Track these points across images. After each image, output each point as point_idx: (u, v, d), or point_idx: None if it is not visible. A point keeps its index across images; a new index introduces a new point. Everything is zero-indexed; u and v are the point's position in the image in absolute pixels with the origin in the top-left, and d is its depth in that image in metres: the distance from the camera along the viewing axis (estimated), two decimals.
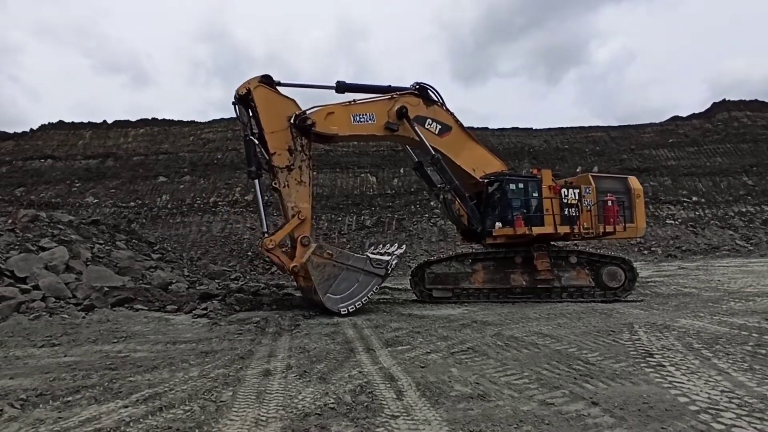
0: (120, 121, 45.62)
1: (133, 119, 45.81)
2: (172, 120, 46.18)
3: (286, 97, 11.57)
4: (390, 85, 12.93)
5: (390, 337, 7.67)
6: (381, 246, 11.78)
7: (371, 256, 11.01)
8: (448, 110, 13.16)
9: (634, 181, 13.72)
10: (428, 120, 12.74)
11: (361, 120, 12.04)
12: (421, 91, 12.84)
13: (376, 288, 10.81)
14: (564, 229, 12.34)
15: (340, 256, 10.75)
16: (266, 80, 11.41)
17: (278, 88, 11.66)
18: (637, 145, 42.53)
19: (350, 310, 10.48)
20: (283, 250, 11.29)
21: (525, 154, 41.55)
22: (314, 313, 10.63)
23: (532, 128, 46.38)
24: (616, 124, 49.29)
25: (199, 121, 46.07)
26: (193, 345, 7.39)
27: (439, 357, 6.35)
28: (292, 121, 11.20)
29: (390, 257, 11.16)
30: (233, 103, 11.22)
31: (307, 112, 11.39)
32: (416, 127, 12.38)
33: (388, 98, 12.48)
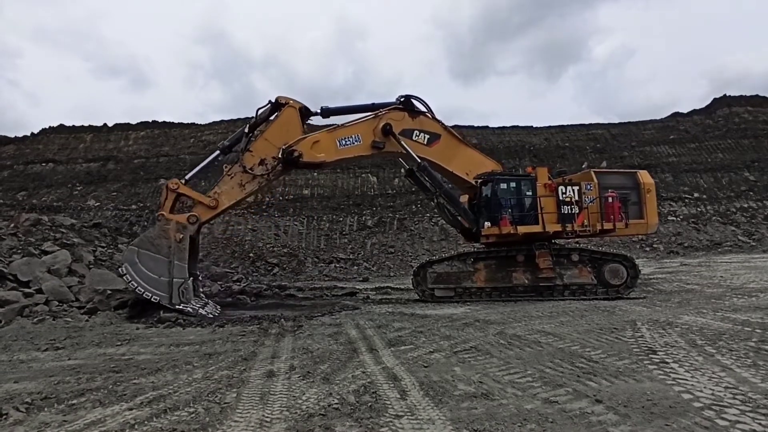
0: (120, 124, 45.78)
1: (133, 122, 45.98)
2: (172, 122, 46.28)
3: (305, 131, 12.30)
4: (374, 103, 13.08)
5: (393, 337, 7.68)
6: (201, 299, 11.71)
7: (184, 291, 10.61)
8: (435, 119, 13.20)
9: (644, 176, 13.55)
10: (415, 132, 12.84)
11: (347, 143, 12.34)
12: (406, 103, 12.90)
13: (152, 297, 10.36)
14: (555, 228, 12.31)
15: (178, 251, 10.77)
16: (305, 110, 12.42)
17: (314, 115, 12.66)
18: (638, 142, 42.46)
19: (126, 278, 10.41)
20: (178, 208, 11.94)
21: (526, 153, 41.52)
22: (316, 314, 10.65)
23: (532, 126, 46.34)
24: (616, 121, 49.28)
25: (199, 123, 46.25)
26: (196, 347, 7.41)
27: (442, 356, 6.36)
28: (279, 155, 11.75)
29: (188, 305, 10.54)
30: (269, 101, 12.34)
31: (294, 143, 11.83)
32: (403, 141, 12.51)
33: (373, 117, 12.64)
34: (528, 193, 12.69)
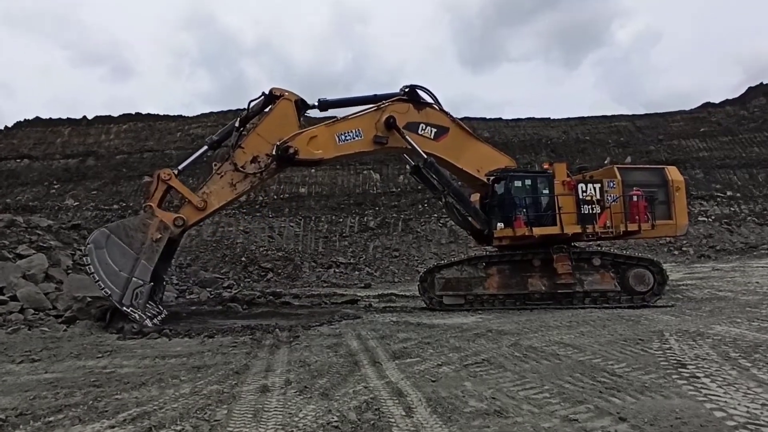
0: (101, 116, 45.93)
1: (115, 114, 46.17)
2: (157, 114, 46.47)
3: (302, 126, 12.32)
4: (376, 94, 13.07)
5: (397, 349, 7.68)
6: (152, 309, 11.45)
7: (139, 294, 10.51)
8: (443, 110, 13.20)
9: (673, 172, 13.49)
10: (421, 125, 12.82)
11: (347, 138, 12.35)
12: (411, 94, 12.86)
13: (103, 289, 10.29)
14: (574, 229, 12.29)
15: (149, 250, 10.79)
16: (301, 103, 12.40)
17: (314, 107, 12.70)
18: (665, 135, 42.31)
19: (86, 260, 10.45)
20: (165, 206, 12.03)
21: (542, 147, 41.44)
22: (314, 324, 10.66)
23: (549, 118, 46.23)
24: (641, 112, 49.17)
25: (186, 115, 46.32)
26: (183, 359, 7.43)
27: (451, 370, 6.35)
28: (274, 152, 11.77)
29: (137, 311, 10.39)
30: (263, 93, 12.39)
31: (289, 139, 11.83)
32: (407, 136, 12.50)
33: (375, 109, 12.63)
34: (545, 192, 12.67)
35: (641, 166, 15.07)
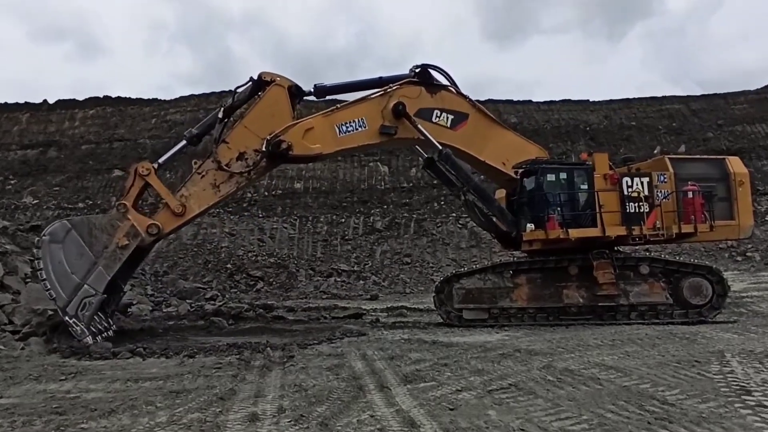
0: (64, 100, 46.36)
1: (81, 98, 46.50)
2: (129, 98, 46.78)
3: (296, 117, 12.30)
4: (381, 77, 13.01)
5: (410, 371, 7.68)
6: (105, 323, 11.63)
7: (87, 305, 10.42)
8: (461, 93, 13.13)
9: (735, 163, 13.39)
10: (435, 112, 12.74)
11: (349, 129, 12.27)
12: (423, 75, 12.80)
13: (48, 291, 10.31)
14: (617, 231, 12.23)
15: (111, 258, 10.77)
16: (296, 90, 12.36)
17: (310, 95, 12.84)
18: (726, 120, 41.88)
19: (38, 254, 10.45)
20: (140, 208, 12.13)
21: (580, 135, 41.22)
22: (312, 342, 10.69)
23: (588, 101, 45.93)
24: (698, 93, 48.62)
25: (162, 99, 46.63)
26: (159, 383, 7.47)
27: (472, 396, 6.34)
28: (264, 147, 11.72)
29: (81, 323, 10.29)
30: (251, 78, 12.30)
31: (281, 132, 11.75)
32: (420, 125, 12.43)
33: (381, 94, 12.56)
34: (583, 187, 12.62)
35: (697, 156, 14.98)
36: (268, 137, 11.69)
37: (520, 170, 13.14)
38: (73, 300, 10.31)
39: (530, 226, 12.39)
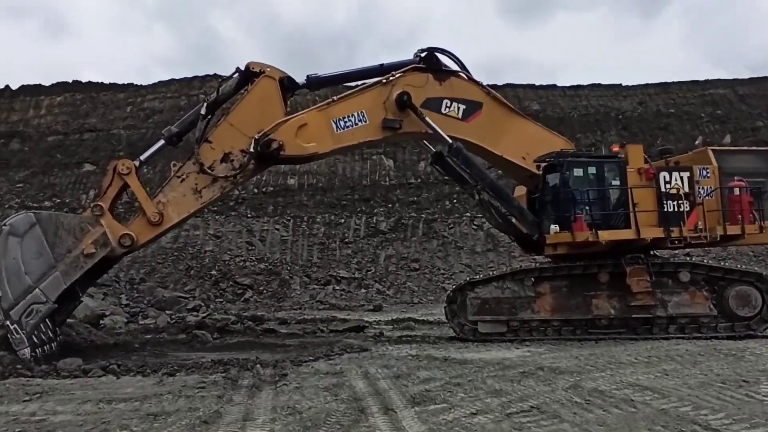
0: (29, 86, 46.55)
1: (47, 83, 46.69)
2: (102, 83, 46.95)
3: (285, 114, 12.24)
4: (382, 64, 13.06)
5: (418, 392, 7.67)
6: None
7: (32, 313, 10.43)
8: (473, 80, 13.17)
9: None
10: (444, 101, 12.76)
11: (348, 125, 12.27)
12: (429, 60, 12.82)
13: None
14: (654, 233, 12.19)
15: (72, 265, 10.74)
16: (288, 82, 12.42)
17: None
18: None
19: None
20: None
21: (611, 124, 41.14)
22: (307, 358, 10.71)
23: (620, 85, 45.89)
24: (745, 76, 48.32)
25: (139, 84, 46.76)
26: (135, 404, 7.48)
27: (489, 420, 6.33)
28: (252, 147, 11.71)
29: (21, 331, 10.27)
30: (237, 68, 12.37)
31: (271, 129, 11.72)
32: (427, 117, 12.43)
33: (382, 83, 12.55)
34: (614, 183, 12.60)
35: (746, 148, 14.88)
36: (257, 136, 11.67)
37: (543, 165, 13.12)
38: (20, 303, 10.27)
39: (554, 228, 12.35)
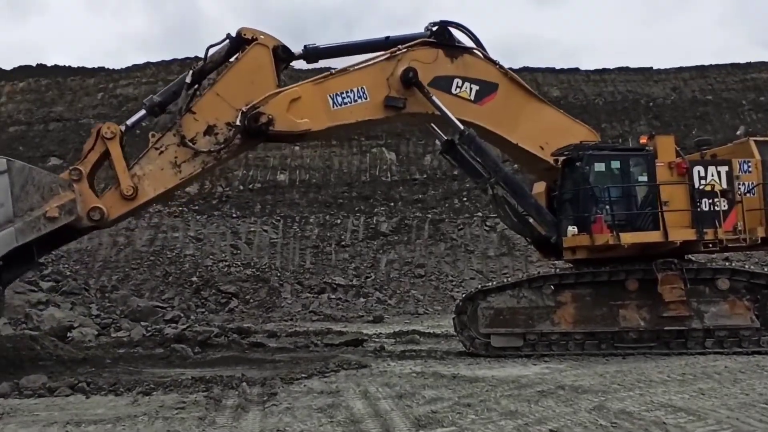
0: None
1: (8, 68, 46.82)
2: (70, 67, 47.11)
3: (278, 86, 12.35)
4: (388, 37, 13.15)
5: (423, 414, 7.68)
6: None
7: None
8: (489, 58, 13.24)
9: None
10: (456, 80, 12.87)
11: (346, 101, 12.43)
12: (441, 35, 12.93)
13: None
14: (685, 235, 12.14)
15: (30, 225, 10.93)
16: (282, 52, 12.51)
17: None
18: None
19: None
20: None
21: (641, 112, 41.17)
22: (299, 376, 10.72)
23: (651, 69, 45.95)
24: None
25: (111, 68, 46.86)
26: (107, 426, 7.50)
27: None
28: (239, 120, 11.88)
29: None
30: (228, 35, 12.48)
31: (261, 102, 11.88)
32: (435, 96, 12.52)
33: (387, 58, 12.69)
34: (641, 179, 12.60)
35: None
36: (245, 108, 11.84)
37: (561, 158, 13.12)
38: None
39: (572, 230, 12.36)
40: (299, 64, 13.65)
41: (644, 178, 12.59)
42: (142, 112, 12.83)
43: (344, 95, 12.41)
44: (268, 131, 11.96)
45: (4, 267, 11.23)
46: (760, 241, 12.50)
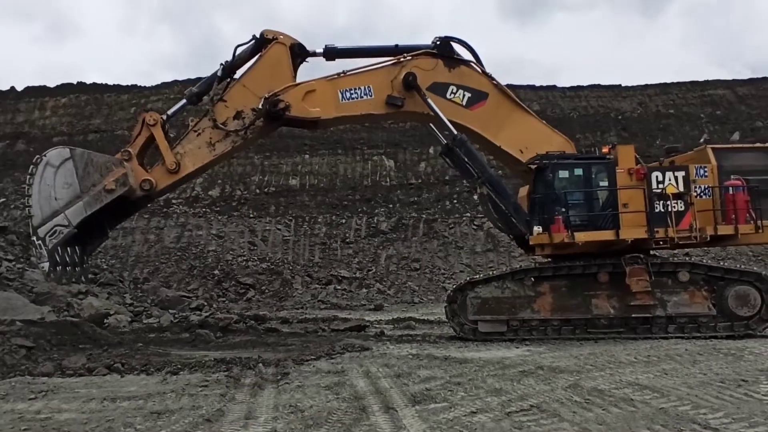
0: (34, 87, 46.62)
1: (52, 85, 46.75)
2: (106, 85, 47.03)
3: (294, 78, 13.43)
4: (398, 45, 13.70)
5: (418, 391, 7.69)
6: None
7: (54, 234, 12.40)
8: (484, 71, 13.56)
9: None
10: (451, 87, 13.30)
11: (353, 96, 13.13)
12: (443, 47, 13.37)
13: (29, 209, 12.70)
14: (635, 234, 12.11)
15: (94, 197, 12.48)
16: (299, 49, 13.60)
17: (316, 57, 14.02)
18: None
19: (33, 170, 12.58)
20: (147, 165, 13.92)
21: (611, 124, 41.12)
22: (309, 357, 10.72)
23: (620, 85, 45.86)
24: (745, 76, 48.31)
25: (142, 85, 46.83)
26: (139, 402, 7.51)
27: (489, 419, 6.34)
28: (261, 105, 12.86)
29: (44, 247, 12.42)
30: (253, 36, 13.70)
31: (281, 91, 12.86)
32: (430, 99, 12.97)
33: (393, 63, 13.28)
34: (602, 184, 12.64)
35: (750, 145, 14.62)
36: (267, 95, 12.73)
37: (536, 164, 13.15)
38: (47, 224, 12.08)
39: (537, 229, 12.47)
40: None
41: (605, 183, 12.61)
42: (182, 101, 14.06)
43: (352, 91, 13.09)
44: (284, 115, 12.83)
45: (87, 238, 13.02)
46: (708, 238, 12.42)
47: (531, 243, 12.65)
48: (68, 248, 12.57)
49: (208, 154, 13.12)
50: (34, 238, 12.03)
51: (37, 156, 12.86)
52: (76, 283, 12.16)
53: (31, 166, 12.56)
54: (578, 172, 12.74)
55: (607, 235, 12.14)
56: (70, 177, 12.25)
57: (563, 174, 12.73)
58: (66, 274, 12.50)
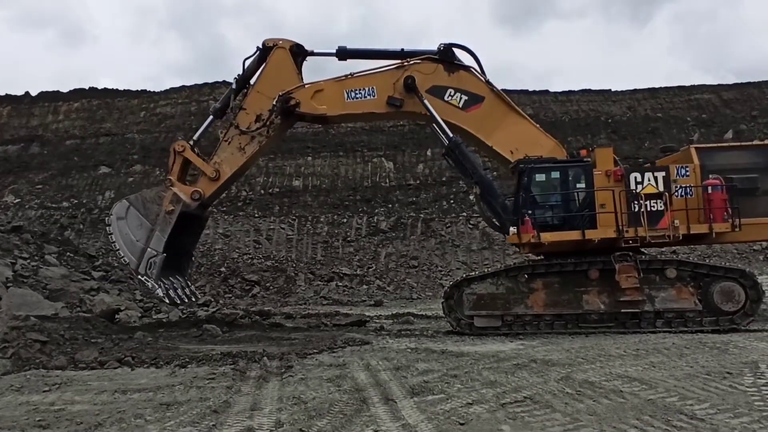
0: (47, 92, 46.65)
1: (65, 90, 46.80)
2: (117, 90, 47.05)
3: (301, 78, 14.31)
4: (403, 49, 14.20)
5: (417, 383, 7.70)
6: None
7: (152, 264, 13.45)
8: (482, 77, 13.76)
9: None
10: (449, 90, 13.67)
11: (357, 96, 13.79)
12: (445, 53, 13.71)
13: (123, 258, 13.60)
14: (603, 233, 12.05)
15: (163, 222, 13.58)
16: (298, 49, 14.44)
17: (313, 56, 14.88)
18: (761, 111, 41.70)
19: (109, 230, 13.84)
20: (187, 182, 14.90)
21: (601, 127, 41.13)
22: (311, 351, 10.72)
23: (610, 90, 45.91)
24: (730, 81, 48.33)
25: (152, 90, 46.87)
26: (149, 394, 7.53)
27: (484, 410, 6.35)
28: (275, 102, 13.62)
29: (150, 279, 13.42)
30: (257, 47, 14.53)
31: (293, 90, 13.72)
32: (427, 101, 13.43)
33: (396, 67, 13.81)
34: (579, 185, 12.66)
35: (734, 144, 14.54)
36: (280, 93, 13.54)
37: (520, 167, 13.19)
38: (141, 262, 13.26)
39: (513, 229, 12.63)
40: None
41: (582, 185, 12.61)
42: (206, 123, 15.01)
43: (357, 91, 13.73)
44: (294, 111, 13.64)
45: (178, 263, 14.59)
46: (681, 237, 12.30)
47: (508, 241, 13.17)
48: (170, 277, 13.89)
49: (241, 157, 14.06)
50: (140, 277, 13.18)
51: (105, 215, 14.44)
52: (189, 303, 14.89)
53: (106, 227, 13.85)
54: (555, 175, 12.83)
55: (573, 235, 12.15)
56: (138, 219, 13.31)
57: (540, 177, 12.84)
58: (180, 296, 13.96)
